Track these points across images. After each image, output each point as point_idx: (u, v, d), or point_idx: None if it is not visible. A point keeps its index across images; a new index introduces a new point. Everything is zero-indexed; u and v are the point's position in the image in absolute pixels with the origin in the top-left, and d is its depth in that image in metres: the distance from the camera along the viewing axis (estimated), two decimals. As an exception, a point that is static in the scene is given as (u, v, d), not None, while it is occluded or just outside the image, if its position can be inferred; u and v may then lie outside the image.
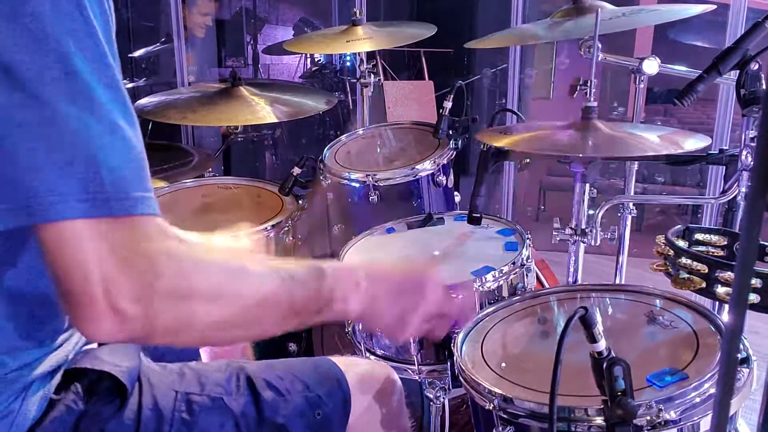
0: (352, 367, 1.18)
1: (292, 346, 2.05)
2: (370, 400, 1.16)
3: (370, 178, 1.90)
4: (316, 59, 4.98)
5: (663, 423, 0.96)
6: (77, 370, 0.94)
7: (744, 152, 1.33)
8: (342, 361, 1.18)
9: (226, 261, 0.82)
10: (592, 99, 1.50)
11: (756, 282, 1.09)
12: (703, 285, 1.18)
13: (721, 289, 1.16)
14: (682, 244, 1.27)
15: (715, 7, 1.82)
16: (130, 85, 3.62)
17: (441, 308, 1.00)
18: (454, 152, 2.00)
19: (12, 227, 0.68)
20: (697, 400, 0.99)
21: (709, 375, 1.01)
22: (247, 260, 0.84)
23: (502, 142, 1.47)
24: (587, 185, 1.55)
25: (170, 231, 0.75)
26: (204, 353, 1.33)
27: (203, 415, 0.99)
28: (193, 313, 0.75)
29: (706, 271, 1.16)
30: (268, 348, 1.97)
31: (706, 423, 1.01)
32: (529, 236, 1.60)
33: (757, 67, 1.30)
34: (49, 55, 0.67)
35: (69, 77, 0.68)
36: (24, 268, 0.79)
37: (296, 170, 2.02)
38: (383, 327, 0.98)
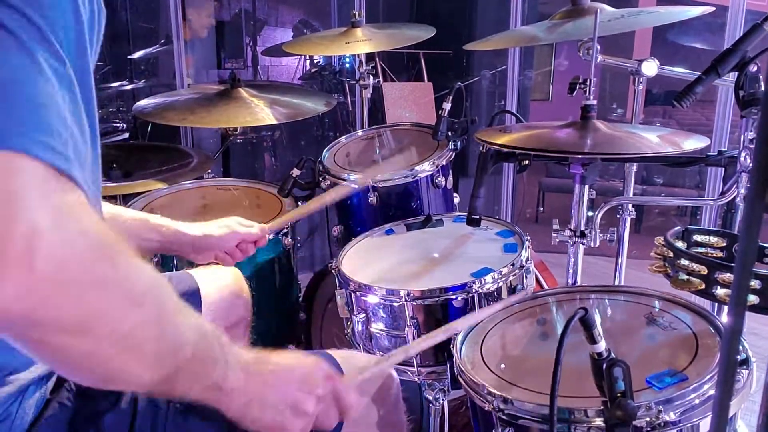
0: (350, 360, 1.18)
1: (292, 347, 2.05)
2: (367, 393, 1.16)
3: (370, 180, 1.90)
4: (315, 61, 4.98)
5: (662, 424, 0.96)
6: None
7: (743, 154, 1.33)
8: (340, 355, 1.18)
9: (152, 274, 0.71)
10: (591, 97, 1.50)
11: (755, 283, 1.09)
12: (703, 286, 1.18)
13: (720, 291, 1.16)
14: (681, 245, 1.28)
15: (713, 9, 1.82)
16: (129, 87, 3.63)
17: (330, 397, 0.90)
18: (453, 154, 2.00)
19: None
20: (697, 401, 0.99)
21: (708, 376, 1.01)
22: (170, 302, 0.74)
23: (501, 141, 1.47)
24: (586, 187, 1.55)
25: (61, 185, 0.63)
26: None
27: (198, 406, 0.98)
28: (112, 310, 0.64)
29: (706, 272, 1.17)
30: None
31: (705, 424, 1.01)
32: (528, 238, 1.60)
33: (755, 68, 1.30)
34: None
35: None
36: None
37: (295, 172, 2.02)
38: (261, 423, 0.84)
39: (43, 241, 0.59)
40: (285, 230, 1.98)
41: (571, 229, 1.58)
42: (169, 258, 1.82)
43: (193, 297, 1.38)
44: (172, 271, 1.83)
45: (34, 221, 0.58)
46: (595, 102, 1.49)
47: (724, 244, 1.32)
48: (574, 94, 1.59)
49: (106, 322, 0.64)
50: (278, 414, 0.84)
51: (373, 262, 1.64)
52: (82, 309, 0.62)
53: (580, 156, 1.46)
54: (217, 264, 1.48)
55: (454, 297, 1.44)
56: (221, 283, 1.47)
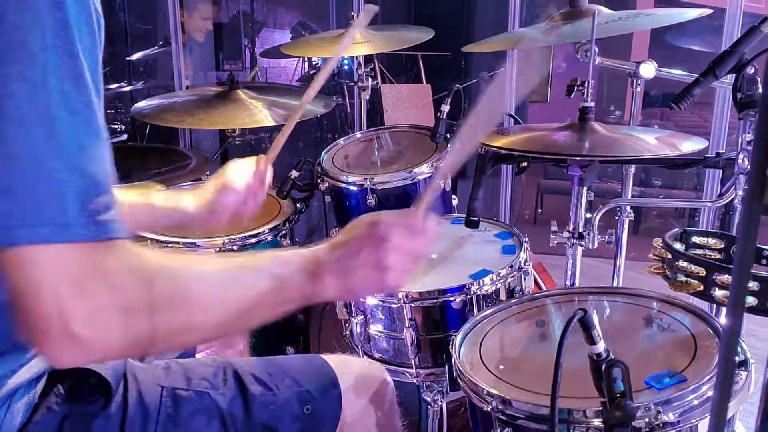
0: (345, 365, 1.18)
1: (290, 350, 2.05)
2: (362, 398, 1.16)
3: (368, 182, 1.90)
4: (313, 63, 4.98)
5: (661, 425, 0.96)
6: (60, 372, 0.93)
7: (741, 156, 1.34)
8: (334, 359, 1.18)
9: (188, 267, 0.79)
10: (589, 99, 1.50)
11: (753, 285, 1.09)
12: (701, 288, 1.18)
13: (718, 292, 1.16)
14: (679, 247, 1.28)
15: (711, 11, 1.82)
16: (127, 89, 3.62)
17: (407, 240, 0.92)
18: (452, 156, 2.00)
19: None
20: (695, 402, 0.99)
21: (707, 378, 1.01)
22: (220, 264, 0.82)
23: (499, 143, 1.48)
24: (585, 189, 1.55)
25: (129, 249, 0.72)
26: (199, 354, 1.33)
27: (189, 410, 0.98)
28: (155, 324, 0.73)
29: (704, 274, 1.17)
30: (265, 352, 1.97)
31: (704, 425, 1.01)
32: (527, 239, 1.60)
33: (753, 70, 1.30)
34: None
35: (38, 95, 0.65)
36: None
37: (294, 173, 2.02)
38: (360, 289, 0.94)
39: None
40: (284, 232, 1.98)
41: (569, 231, 1.58)
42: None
43: None
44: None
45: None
46: (593, 104, 1.49)
47: (723, 246, 1.32)
48: (572, 96, 1.59)
49: (187, 338, 0.78)
50: (368, 280, 0.90)
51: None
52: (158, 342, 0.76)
53: (578, 158, 1.46)
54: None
55: (452, 299, 1.44)
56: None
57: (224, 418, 1.01)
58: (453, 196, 2.10)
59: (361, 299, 1.49)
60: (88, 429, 0.91)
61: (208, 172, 2.30)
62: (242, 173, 1.37)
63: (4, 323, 0.78)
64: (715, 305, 1.35)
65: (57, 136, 0.66)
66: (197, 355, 1.30)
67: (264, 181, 1.40)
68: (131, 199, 1.24)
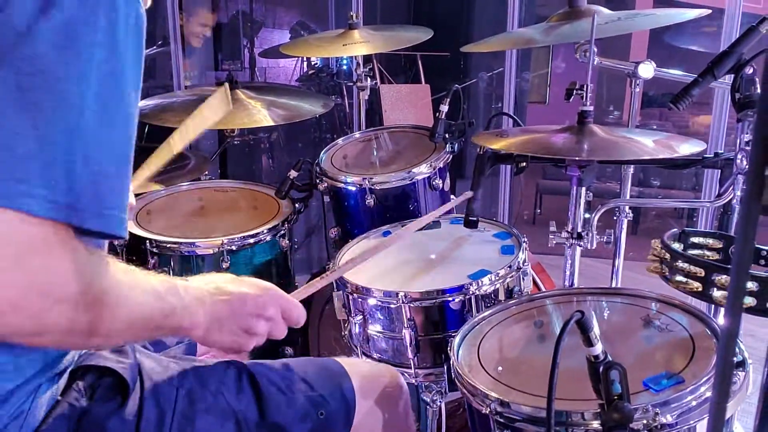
0: (358, 368, 1.19)
1: (289, 350, 2.04)
2: (375, 401, 1.16)
3: (367, 182, 1.90)
4: (312, 63, 4.97)
5: (659, 427, 0.96)
6: (79, 369, 0.95)
7: (739, 156, 1.34)
8: (348, 363, 1.18)
9: (110, 271, 0.81)
10: (588, 103, 1.50)
11: (752, 285, 1.09)
12: (699, 288, 1.18)
13: (717, 293, 1.16)
14: (677, 247, 1.28)
15: (710, 11, 1.82)
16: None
17: (279, 313, 1.04)
18: (451, 156, 2.00)
19: None
20: (694, 403, 0.99)
21: (705, 378, 1.01)
22: (119, 268, 0.84)
23: (498, 145, 1.48)
24: (583, 189, 1.55)
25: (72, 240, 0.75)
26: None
27: (204, 411, 0.99)
28: (69, 320, 0.75)
29: (702, 274, 1.17)
30: (264, 353, 1.97)
31: (702, 426, 1.01)
32: (526, 240, 1.60)
33: (751, 71, 1.30)
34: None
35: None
36: None
37: (293, 173, 2.02)
38: (221, 344, 0.99)
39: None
40: (283, 232, 1.98)
41: (568, 231, 1.58)
42: (165, 258, 1.83)
43: None
44: (168, 270, 1.83)
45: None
46: (591, 108, 1.49)
47: (721, 246, 1.32)
48: (571, 100, 1.59)
49: (64, 329, 0.77)
50: (234, 336, 0.98)
51: (370, 264, 1.64)
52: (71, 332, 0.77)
53: (577, 158, 1.46)
54: None
55: (451, 299, 1.44)
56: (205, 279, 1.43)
57: (238, 420, 1.01)
58: (452, 197, 2.10)
59: (362, 302, 1.49)
60: (104, 427, 0.92)
61: (206, 172, 2.30)
62: None
63: None
64: (713, 306, 1.35)
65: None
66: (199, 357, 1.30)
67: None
68: None
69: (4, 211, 0.69)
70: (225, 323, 0.97)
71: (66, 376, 0.94)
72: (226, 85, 1.43)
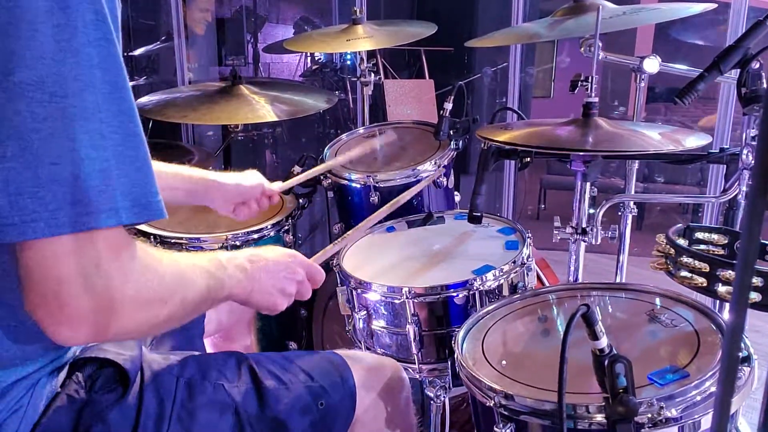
0: (359, 360, 1.19)
1: (293, 345, 2.05)
2: (376, 394, 1.16)
3: (371, 179, 1.90)
4: (316, 58, 4.97)
5: (664, 421, 0.96)
6: (79, 360, 0.95)
7: (745, 151, 1.33)
8: (349, 355, 1.19)
9: (171, 266, 0.88)
10: (593, 94, 1.49)
11: (757, 281, 1.09)
12: (704, 284, 1.18)
13: (722, 288, 1.16)
14: (683, 242, 1.28)
15: (716, 5, 1.81)
16: (130, 84, 3.62)
17: (305, 276, 1.16)
18: (455, 153, 2.00)
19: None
20: (698, 398, 0.99)
21: (710, 373, 1.01)
22: (182, 263, 0.92)
23: (502, 138, 1.47)
24: (588, 184, 1.55)
25: (128, 241, 0.79)
26: (208, 347, 1.34)
27: (204, 401, 1.00)
28: (147, 316, 0.82)
29: (708, 269, 1.16)
30: (268, 347, 1.98)
31: (706, 421, 1.01)
32: (530, 235, 1.60)
33: (758, 65, 1.30)
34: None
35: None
36: None
37: (297, 169, 2.02)
38: (261, 305, 1.10)
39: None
40: (287, 227, 1.98)
41: (572, 227, 1.58)
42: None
43: None
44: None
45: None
46: (596, 99, 1.48)
47: (726, 242, 1.32)
48: (575, 91, 1.59)
49: (152, 324, 0.85)
50: (271, 296, 1.09)
51: (374, 260, 1.64)
52: (128, 328, 0.81)
53: (581, 153, 1.46)
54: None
55: (455, 294, 1.44)
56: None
57: (238, 410, 1.02)
58: (456, 192, 2.10)
59: (366, 298, 1.50)
60: (105, 417, 0.92)
61: (210, 168, 2.30)
62: (268, 183, 1.64)
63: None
64: (718, 301, 1.35)
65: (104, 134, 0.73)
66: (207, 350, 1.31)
67: (269, 201, 1.66)
68: (159, 167, 1.42)
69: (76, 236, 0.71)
70: (263, 285, 1.07)
71: (66, 369, 0.94)
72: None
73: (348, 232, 1.49)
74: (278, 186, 1.67)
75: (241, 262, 1.05)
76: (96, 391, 0.94)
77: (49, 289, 0.72)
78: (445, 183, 1.97)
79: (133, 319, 0.79)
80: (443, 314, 1.46)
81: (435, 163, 1.93)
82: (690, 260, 1.19)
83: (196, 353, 1.11)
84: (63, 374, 0.93)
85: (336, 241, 1.41)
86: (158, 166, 1.38)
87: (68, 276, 0.72)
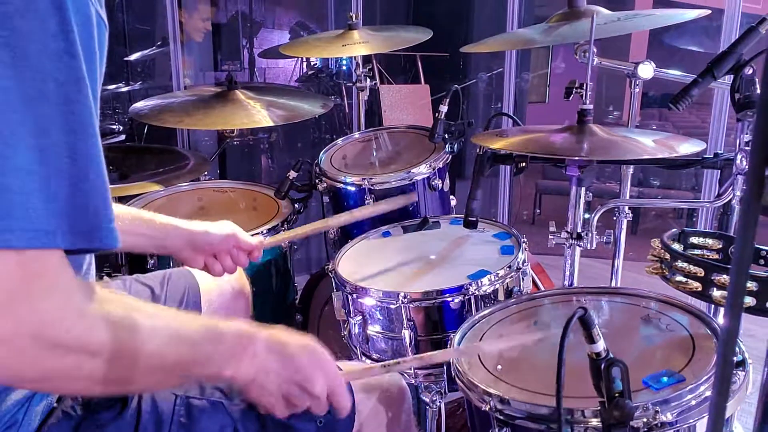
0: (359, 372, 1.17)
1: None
2: (376, 406, 1.15)
3: (366, 182, 1.90)
4: (312, 63, 4.98)
5: (659, 425, 0.96)
6: None
7: (739, 156, 1.34)
8: (348, 367, 1.17)
9: (121, 314, 0.76)
10: (587, 101, 1.50)
11: (751, 285, 1.09)
12: (699, 288, 1.18)
13: (716, 293, 1.16)
14: (677, 247, 1.28)
15: (709, 12, 1.82)
16: (125, 89, 3.61)
17: (326, 392, 0.95)
18: (450, 156, 2.00)
19: None
20: (693, 402, 0.99)
21: (705, 378, 1.02)
22: (142, 313, 0.80)
23: (497, 145, 1.48)
24: (583, 189, 1.55)
25: (68, 272, 0.70)
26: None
27: (203, 419, 0.98)
28: (72, 366, 0.71)
29: (702, 274, 1.17)
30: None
31: (702, 425, 1.01)
32: (525, 240, 1.60)
33: (751, 71, 1.30)
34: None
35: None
36: None
37: (292, 174, 2.02)
38: (265, 401, 0.92)
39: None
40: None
41: (567, 231, 1.58)
42: (165, 259, 1.82)
43: (192, 295, 1.38)
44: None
45: None
46: (591, 106, 1.49)
47: (721, 246, 1.33)
48: (570, 98, 1.59)
49: (62, 378, 0.73)
50: (272, 398, 0.91)
51: (370, 265, 1.64)
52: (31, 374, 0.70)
53: (576, 159, 1.46)
54: (205, 271, 1.38)
55: (450, 299, 1.44)
56: (222, 279, 1.41)
57: (237, 428, 1.00)
58: (451, 197, 2.10)
59: (361, 303, 1.49)
60: None
61: (206, 173, 2.29)
62: (244, 236, 1.41)
63: None
64: (713, 305, 1.35)
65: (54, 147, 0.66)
66: None
67: (248, 257, 1.42)
68: (120, 210, 1.23)
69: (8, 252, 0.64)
70: (269, 384, 0.90)
71: None
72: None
73: (383, 365, 1.13)
74: (258, 241, 1.44)
75: (252, 341, 0.88)
76: (94, 407, 0.92)
77: None
78: (440, 186, 1.97)
79: (37, 364, 0.68)
80: (439, 319, 1.46)
81: (429, 166, 1.93)
82: (685, 265, 1.20)
83: None
84: None
85: (376, 366, 1.12)
86: (118, 209, 1.18)
87: None
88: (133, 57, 3.72)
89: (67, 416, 0.90)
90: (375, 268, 1.61)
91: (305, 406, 0.93)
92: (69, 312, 0.70)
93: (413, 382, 1.50)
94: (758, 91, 1.29)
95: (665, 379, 1.03)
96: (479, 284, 1.44)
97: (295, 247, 2.17)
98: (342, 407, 0.97)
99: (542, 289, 1.91)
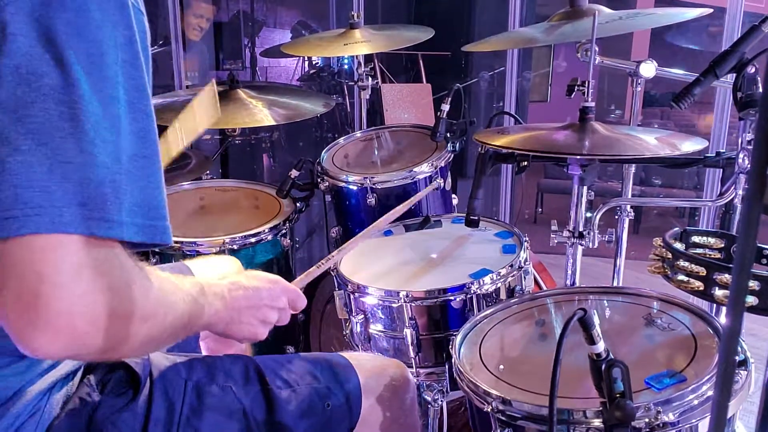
0: (364, 361, 1.20)
1: (290, 349, 2.05)
2: (381, 394, 1.16)
3: (368, 181, 1.90)
4: (313, 62, 4.98)
5: (661, 425, 0.96)
6: (92, 365, 0.96)
7: (741, 155, 1.34)
8: (355, 356, 1.20)
9: (157, 285, 0.83)
10: (589, 99, 1.50)
11: (753, 284, 1.09)
12: (701, 287, 1.18)
13: (718, 292, 1.16)
14: (679, 246, 1.28)
15: (711, 10, 1.82)
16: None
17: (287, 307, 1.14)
18: (452, 155, 2.00)
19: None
20: (695, 402, 0.99)
21: (707, 377, 1.01)
22: (168, 284, 0.87)
23: (499, 142, 1.48)
24: (585, 188, 1.55)
25: (122, 254, 0.76)
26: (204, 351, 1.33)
27: (212, 404, 1.00)
28: (126, 334, 0.77)
29: (704, 273, 1.17)
30: (266, 351, 1.97)
31: (704, 425, 1.01)
32: (527, 239, 1.60)
33: (753, 70, 1.30)
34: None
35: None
36: None
37: (294, 173, 2.02)
38: (240, 335, 1.05)
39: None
40: (284, 231, 1.98)
41: (569, 230, 1.58)
42: (167, 257, 1.83)
43: None
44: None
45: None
46: (593, 104, 1.49)
47: (723, 245, 1.32)
48: (572, 96, 1.59)
49: (128, 342, 0.78)
50: (251, 327, 1.06)
51: (371, 264, 1.64)
52: (106, 344, 0.75)
53: (578, 157, 1.46)
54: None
55: (452, 298, 1.44)
56: (219, 273, 1.43)
57: (246, 413, 1.02)
58: (453, 196, 2.10)
59: (363, 302, 1.49)
60: (116, 420, 0.93)
61: (208, 172, 2.30)
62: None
63: None
64: (715, 304, 1.35)
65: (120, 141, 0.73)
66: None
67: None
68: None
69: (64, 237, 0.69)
70: (243, 315, 1.04)
71: (80, 373, 0.95)
72: (213, 82, 1.49)
73: (332, 254, 1.41)
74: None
75: (221, 290, 1.00)
76: (107, 394, 0.95)
77: (28, 288, 0.68)
78: (442, 185, 1.97)
79: (112, 335, 0.74)
80: (441, 318, 1.46)
81: (431, 165, 1.93)
82: (687, 264, 1.19)
83: (202, 356, 1.12)
84: (77, 378, 0.95)
85: (319, 263, 1.34)
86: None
87: (53, 276, 0.68)
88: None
89: (83, 403, 0.92)
90: (377, 267, 1.61)
91: (276, 320, 1.10)
92: (135, 289, 0.77)
93: (415, 380, 1.50)
94: (760, 89, 1.29)
95: (667, 379, 1.03)
96: (481, 283, 1.44)
97: (297, 246, 2.17)
98: (300, 307, 1.16)
99: (544, 288, 1.91)
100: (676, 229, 1.34)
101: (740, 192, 1.37)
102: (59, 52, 0.69)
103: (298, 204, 2.05)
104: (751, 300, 1.10)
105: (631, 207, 1.88)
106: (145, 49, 0.78)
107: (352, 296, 1.52)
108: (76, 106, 0.70)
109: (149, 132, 0.77)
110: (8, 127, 0.67)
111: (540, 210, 5.67)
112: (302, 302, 1.16)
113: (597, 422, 0.97)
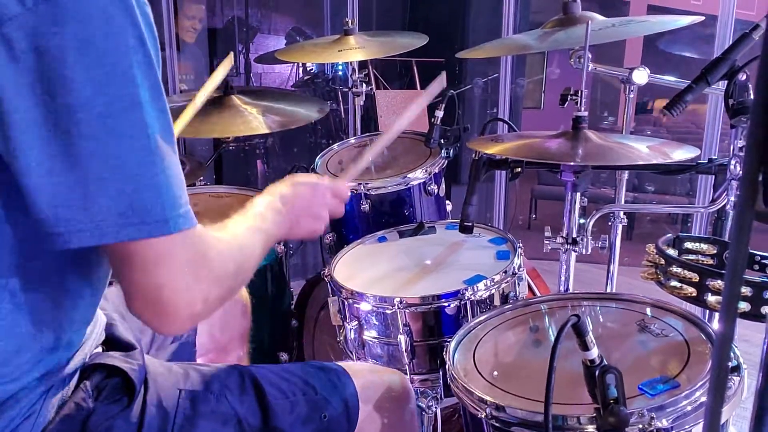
0: (362, 372, 1.19)
1: (284, 356, 2.04)
2: (378, 404, 1.16)
3: (362, 187, 1.90)
4: (308, 68, 4.99)
5: (655, 431, 0.96)
6: (88, 368, 0.96)
7: (733, 162, 1.34)
8: (352, 366, 1.19)
9: (233, 242, 0.95)
10: (582, 108, 1.50)
11: (746, 290, 1.10)
12: (694, 293, 1.18)
13: (711, 298, 1.17)
14: (672, 252, 1.28)
15: (703, 18, 1.84)
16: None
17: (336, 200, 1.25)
18: (446, 161, 2.00)
19: (85, 245, 0.75)
20: (689, 408, 0.99)
21: (700, 383, 1.02)
22: (240, 233, 0.99)
23: (493, 150, 1.48)
24: (578, 194, 1.56)
25: (206, 233, 0.88)
26: (199, 359, 1.33)
27: (206, 412, 1.00)
28: (228, 290, 0.91)
29: (697, 279, 1.17)
30: (260, 358, 1.96)
31: (697, 431, 1.01)
32: (521, 245, 1.60)
33: (744, 77, 1.31)
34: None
35: (134, 109, 0.75)
36: (57, 279, 0.85)
37: (288, 179, 2.01)
38: (301, 235, 1.19)
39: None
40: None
41: (563, 237, 1.58)
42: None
43: None
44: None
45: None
46: (586, 113, 1.49)
47: (715, 252, 1.33)
48: (565, 105, 1.60)
49: (233, 293, 0.93)
50: (308, 225, 1.19)
51: (365, 270, 1.64)
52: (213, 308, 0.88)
53: (571, 164, 1.47)
54: None
55: (446, 304, 1.44)
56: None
57: (241, 423, 1.01)
58: (447, 202, 2.10)
59: (357, 308, 1.49)
60: (109, 427, 0.92)
61: (201, 178, 2.29)
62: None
63: (54, 322, 0.86)
64: (708, 310, 1.35)
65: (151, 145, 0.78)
66: (198, 360, 1.30)
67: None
68: None
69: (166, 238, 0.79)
70: (300, 218, 1.16)
71: (76, 377, 0.95)
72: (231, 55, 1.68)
73: (373, 142, 1.50)
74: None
75: (276, 205, 1.11)
76: (102, 401, 0.94)
77: (150, 295, 0.80)
78: (436, 191, 1.97)
79: (217, 302, 0.87)
80: (435, 324, 1.46)
81: (426, 171, 1.93)
82: (680, 270, 1.20)
83: (197, 364, 1.11)
84: (74, 382, 0.94)
85: (361, 155, 1.42)
86: None
87: (166, 281, 0.79)
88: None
89: (78, 408, 0.92)
90: (371, 274, 1.61)
91: (328, 214, 1.22)
92: (220, 259, 0.88)
93: (409, 387, 1.50)
94: (752, 96, 1.30)
95: (660, 385, 1.04)
96: (475, 289, 1.44)
97: (291, 252, 2.16)
98: (347, 197, 1.28)
99: (538, 294, 1.91)
100: (669, 235, 1.35)
101: (732, 198, 1.38)
102: (68, 68, 0.70)
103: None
104: (744, 306, 1.10)
105: (624, 213, 1.89)
106: (156, 49, 0.80)
107: (345, 303, 1.52)
108: (98, 120, 0.72)
109: (171, 128, 0.82)
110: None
111: (534, 216, 5.69)
112: (346, 193, 1.28)
113: (591, 428, 0.97)
